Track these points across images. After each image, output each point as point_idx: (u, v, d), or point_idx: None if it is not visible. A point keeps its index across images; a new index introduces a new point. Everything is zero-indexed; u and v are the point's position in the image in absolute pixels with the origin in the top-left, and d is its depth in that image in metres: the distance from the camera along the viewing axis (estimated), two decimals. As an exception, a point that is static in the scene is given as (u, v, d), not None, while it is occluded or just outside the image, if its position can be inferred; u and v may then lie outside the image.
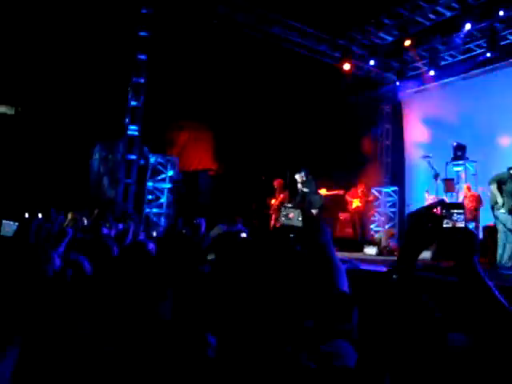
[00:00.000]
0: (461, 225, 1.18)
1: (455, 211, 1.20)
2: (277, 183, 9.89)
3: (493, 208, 7.28)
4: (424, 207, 1.16)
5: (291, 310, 1.02)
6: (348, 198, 11.46)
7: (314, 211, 9.10)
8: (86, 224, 6.05)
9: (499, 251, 7.06)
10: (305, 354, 0.97)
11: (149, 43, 10.14)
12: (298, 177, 9.30)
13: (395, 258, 1.18)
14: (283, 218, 6.93)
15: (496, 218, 7.25)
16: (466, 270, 1.11)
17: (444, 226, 1.16)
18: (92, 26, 9.73)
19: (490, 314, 1.05)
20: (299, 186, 9.28)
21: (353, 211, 11.34)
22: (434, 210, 1.16)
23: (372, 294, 1.12)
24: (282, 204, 9.15)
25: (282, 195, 9.77)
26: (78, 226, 5.80)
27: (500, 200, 7.06)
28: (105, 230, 5.37)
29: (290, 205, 8.13)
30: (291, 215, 7.57)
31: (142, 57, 10.19)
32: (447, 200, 9.37)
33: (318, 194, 9.44)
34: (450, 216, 1.19)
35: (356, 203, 11.28)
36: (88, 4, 9.60)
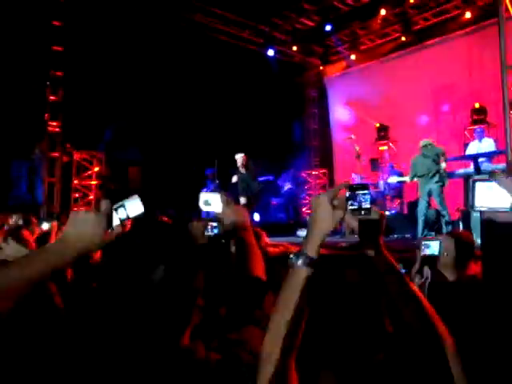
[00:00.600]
0: (366, 206, 1.16)
1: (361, 192, 1.16)
2: (210, 173, 9.89)
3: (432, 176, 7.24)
4: (328, 190, 1.14)
5: (193, 296, 1.00)
6: (280, 182, 11.64)
7: (243, 198, 9.03)
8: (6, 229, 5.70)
9: (421, 225, 7.36)
10: (201, 344, 0.95)
11: (64, 33, 9.65)
12: (238, 157, 9.06)
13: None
14: (203, 205, 6.86)
15: (431, 189, 7.27)
16: (373, 250, 1.14)
17: (350, 207, 1.15)
18: None
19: (398, 296, 1.09)
20: (240, 168, 9.07)
21: (285, 195, 11.54)
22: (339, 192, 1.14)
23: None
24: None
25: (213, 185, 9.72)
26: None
27: (444, 165, 7.19)
28: (27, 233, 5.09)
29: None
30: (211, 200, 7.54)
31: (58, 48, 9.68)
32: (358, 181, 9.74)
33: (257, 180, 9.31)
34: (355, 197, 1.16)
35: (287, 186, 11.48)
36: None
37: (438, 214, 7.93)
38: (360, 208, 1.15)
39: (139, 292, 0.93)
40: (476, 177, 6.80)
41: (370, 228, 1.18)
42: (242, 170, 9.10)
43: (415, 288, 1.12)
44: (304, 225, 10.61)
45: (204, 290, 1.03)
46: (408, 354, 1.03)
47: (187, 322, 0.94)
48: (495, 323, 1.56)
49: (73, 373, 0.96)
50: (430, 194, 7.34)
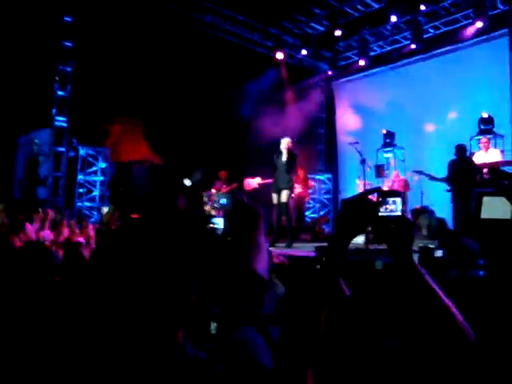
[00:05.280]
0: (397, 213, 1.13)
1: (391, 199, 1.14)
2: (222, 174, 10.16)
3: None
4: (360, 193, 1.13)
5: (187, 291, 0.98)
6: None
7: (274, 195, 7.37)
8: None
9: None
10: (190, 342, 0.94)
11: (74, 29, 9.69)
12: (285, 141, 7.22)
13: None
14: (216, 205, 6.88)
15: None
16: (401, 261, 1.08)
17: (380, 213, 1.12)
18: (11, 11, 9.14)
19: (428, 308, 1.02)
20: (284, 156, 7.17)
21: (295, 197, 11.43)
22: (370, 197, 1.13)
23: (298, 282, 1.12)
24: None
25: (227, 186, 9.90)
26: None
27: None
28: (29, 227, 5.15)
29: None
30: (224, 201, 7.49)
31: (68, 43, 9.72)
32: (384, 188, 9.63)
33: (291, 175, 7.36)
34: (385, 203, 1.14)
35: (298, 189, 11.37)
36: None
37: (443, 222, 7.89)
38: (390, 215, 1.13)
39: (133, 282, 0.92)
40: (480, 190, 6.68)
41: (399, 236, 1.15)
42: (283, 158, 7.19)
43: (443, 296, 1.07)
44: (306, 229, 10.60)
45: (198, 287, 1.02)
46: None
47: (179, 320, 0.92)
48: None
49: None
50: None
